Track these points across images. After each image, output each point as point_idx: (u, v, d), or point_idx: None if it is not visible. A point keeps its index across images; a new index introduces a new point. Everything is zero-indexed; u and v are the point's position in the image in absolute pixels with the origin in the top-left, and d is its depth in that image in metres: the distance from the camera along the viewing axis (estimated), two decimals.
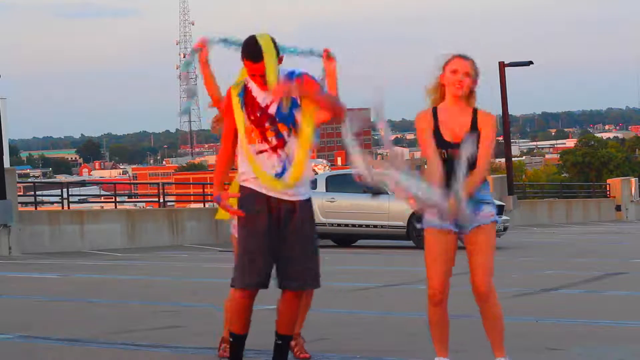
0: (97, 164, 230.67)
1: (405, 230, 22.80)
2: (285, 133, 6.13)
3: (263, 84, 6.09)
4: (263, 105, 6.15)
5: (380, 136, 6.16)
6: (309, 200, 6.26)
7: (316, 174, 19.32)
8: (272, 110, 6.14)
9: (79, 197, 44.82)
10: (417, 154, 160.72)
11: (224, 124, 6.31)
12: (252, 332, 6.47)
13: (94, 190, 67.93)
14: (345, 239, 24.15)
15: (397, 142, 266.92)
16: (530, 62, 34.38)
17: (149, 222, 25.60)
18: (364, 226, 23.16)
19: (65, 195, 26.99)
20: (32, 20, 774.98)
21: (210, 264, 18.86)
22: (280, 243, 6.17)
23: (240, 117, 6.18)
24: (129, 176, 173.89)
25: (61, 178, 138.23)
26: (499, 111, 37.23)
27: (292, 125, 6.13)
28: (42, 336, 8.62)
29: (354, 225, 23.16)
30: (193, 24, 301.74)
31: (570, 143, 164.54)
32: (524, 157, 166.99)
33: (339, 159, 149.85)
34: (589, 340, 8.27)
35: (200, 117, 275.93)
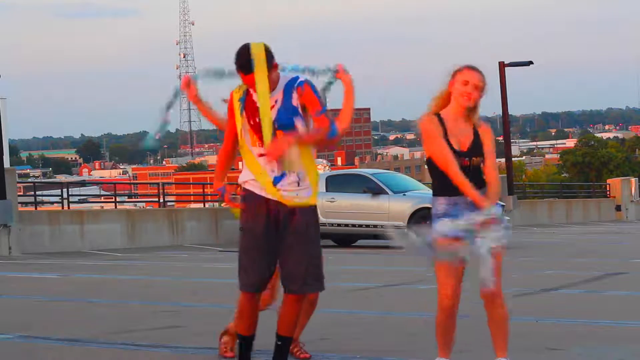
0: (97, 164, 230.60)
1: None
2: None
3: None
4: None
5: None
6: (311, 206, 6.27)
7: None
8: (272, 116, 6.15)
9: (79, 197, 44.80)
10: (417, 154, 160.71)
11: (227, 124, 6.35)
12: None
13: (94, 190, 67.94)
14: (345, 239, 24.15)
15: (397, 142, 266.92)
16: (530, 62, 34.37)
17: (149, 222, 25.59)
18: (364, 226, 23.16)
19: (65, 195, 26.99)
20: (32, 20, 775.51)
21: (210, 264, 18.86)
22: (280, 245, 6.18)
23: (240, 121, 6.21)
24: (129, 176, 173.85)
25: (61, 178, 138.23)
26: (498, 111, 37.28)
27: (292, 132, 6.13)
28: (42, 336, 8.63)
29: (354, 225, 23.16)
30: (193, 24, 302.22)
31: (570, 143, 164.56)
32: (524, 157, 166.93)
33: (339, 159, 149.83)
34: (589, 340, 8.27)
35: (200, 118, 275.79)
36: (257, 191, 6.17)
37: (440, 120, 6.27)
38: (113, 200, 32.09)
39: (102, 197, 57.70)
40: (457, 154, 6.21)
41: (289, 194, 6.15)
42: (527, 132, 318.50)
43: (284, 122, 6.12)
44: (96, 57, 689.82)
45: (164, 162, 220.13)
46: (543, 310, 10.47)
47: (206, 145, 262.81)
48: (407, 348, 7.90)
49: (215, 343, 7.48)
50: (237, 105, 6.22)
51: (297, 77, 6.16)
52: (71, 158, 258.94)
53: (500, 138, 35.62)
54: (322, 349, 7.62)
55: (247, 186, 6.23)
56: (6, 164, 22.85)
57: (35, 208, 27.38)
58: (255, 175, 6.16)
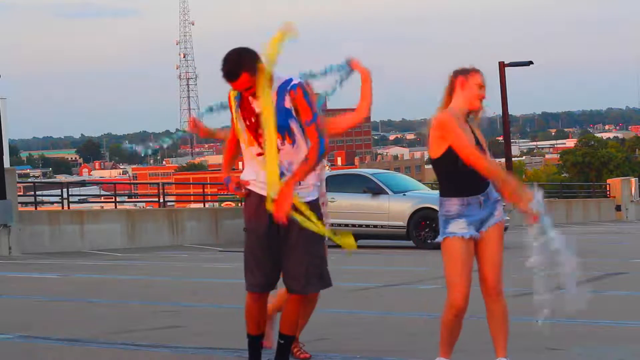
0: (97, 164, 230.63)
1: (405, 230, 22.81)
2: (279, 141, 6.13)
3: (253, 94, 6.10)
4: (257, 111, 6.15)
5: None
6: (315, 202, 6.27)
7: None
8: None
9: (79, 197, 44.79)
10: (417, 154, 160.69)
11: (231, 121, 6.38)
12: None
13: (94, 190, 67.90)
14: None
15: (397, 142, 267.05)
16: (530, 62, 34.38)
17: (149, 222, 25.59)
18: (364, 226, 23.16)
19: (65, 195, 26.98)
20: (32, 20, 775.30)
21: (210, 264, 18.86)
22: (283, 245, 6.19)
23: (236, 119, 6.22)
24: (129, 176, 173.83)
25: (61, 178, 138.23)
26: (499, 111, 37.28)
27: (287, 133, 6.13)
28: (42, 336, 8.62)
29: (354, 225, 23.15)
30: (193, 24, 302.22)
31: (570, 143, 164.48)
32: (524, 157, 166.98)
33: (339, 159, 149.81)
34: (589, 340, 8.27)
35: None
36: (259, 191, 6.17)
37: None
38: (113, 200, 32.09)
39: (102, 197, 57.69)
40: None
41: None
42: (527, 132, 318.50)
43: (278, 124, 6.11)
44: (96, 57, 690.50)
45: (164, 162, 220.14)
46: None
47: (206, 146, 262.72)
48: (407, 348, 7.90)
49: (215, 343, 7.48)
50: (233, 104, 6.24)
51: (291, 80, 6.15)
52: (71, 158, 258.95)
53: (500, 138, 35.67)
54: (322, 349, 7.62)
55: (248, 186, 6.23)
56: (6, 164, 22.85)
57: (35, 208, 27.38)
58: (263, 168, 6.14)
